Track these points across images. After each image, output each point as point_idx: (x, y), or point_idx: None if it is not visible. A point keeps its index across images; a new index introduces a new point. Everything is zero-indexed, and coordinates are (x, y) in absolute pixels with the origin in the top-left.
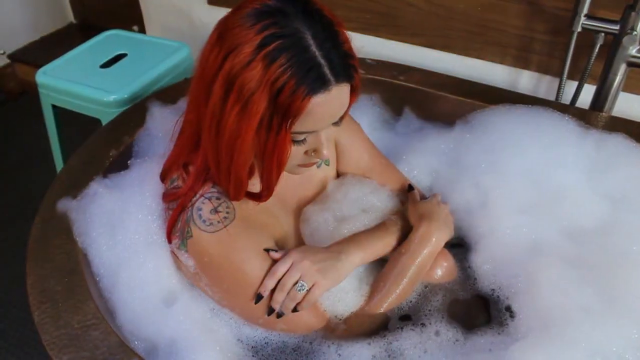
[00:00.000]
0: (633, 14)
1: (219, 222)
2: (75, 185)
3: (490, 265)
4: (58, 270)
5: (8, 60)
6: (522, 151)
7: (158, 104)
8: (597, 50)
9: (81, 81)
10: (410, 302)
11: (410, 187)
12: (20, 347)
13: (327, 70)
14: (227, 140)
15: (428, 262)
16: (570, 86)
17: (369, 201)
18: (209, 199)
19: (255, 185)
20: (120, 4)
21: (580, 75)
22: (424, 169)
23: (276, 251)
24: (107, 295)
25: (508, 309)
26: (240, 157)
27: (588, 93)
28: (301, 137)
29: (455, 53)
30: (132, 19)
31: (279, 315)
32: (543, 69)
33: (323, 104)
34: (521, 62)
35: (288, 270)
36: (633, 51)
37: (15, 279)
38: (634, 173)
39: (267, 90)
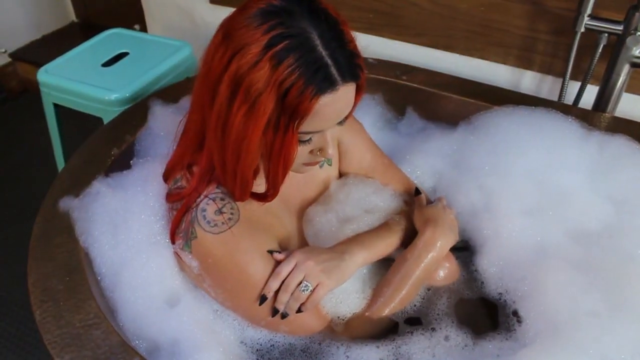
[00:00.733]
0: (637, 14)
1: (223, 223)
2: (77, 184)
3: (496, 268)
4: (60, 269)
5: (9, 59)
6: (526, 152)
7: (160, 103)
8: (600, 50)
9: (83, 80)
10: (415, 305)
11: (417, 191)
12: (21, 345)
13: (334, 70)
14: (233, 141)
15: (432, 267)
16: (573, 87)
17: (371, 201)
18: (213, 199)
19: (259, 186)
20: (121, 3)
21: (583, 75)
22: (427, 170)
23: (279, 252)
24: (108, 294)
25: (515, 313)
26: (247, 157)
27: (591, 94)
28: (307, 137)
29: (458, 53)
30: (134, 18)
31: (283, 316)
32: (546, 70)
33: (330, 103)
34: (524, 62)
35: (292, 270)
36: (637, 52)
37: (17, 277)
38: (637, 174)
39: (275, 91)
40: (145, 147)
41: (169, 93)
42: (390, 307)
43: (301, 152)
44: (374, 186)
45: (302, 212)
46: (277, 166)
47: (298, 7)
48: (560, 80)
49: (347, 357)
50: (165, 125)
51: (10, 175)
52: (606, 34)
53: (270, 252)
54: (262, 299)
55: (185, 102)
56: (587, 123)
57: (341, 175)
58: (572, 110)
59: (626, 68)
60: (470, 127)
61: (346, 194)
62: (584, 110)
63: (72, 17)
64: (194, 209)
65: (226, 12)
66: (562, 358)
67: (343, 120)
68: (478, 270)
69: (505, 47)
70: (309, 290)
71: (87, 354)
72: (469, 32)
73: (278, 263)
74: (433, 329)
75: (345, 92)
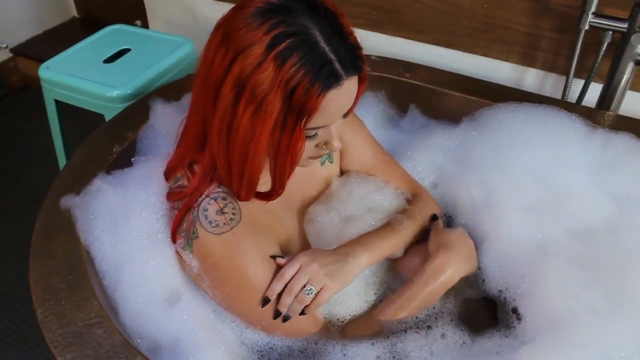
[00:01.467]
0: None
1: (225, 223)
2: (79, 182)
3: (496, 265)
4: (61, 267)
5: (10, 54)
6: (528, 150)
7: (162, 100)
8: (604, 48)
9: (84, 76)
10: None
11: (435, 217)
12: (22, 341)
13: (337, 65)
14: (240, 143)
15: (440, 292)
16: (577, 84)
17: (373, 200)
18: (215, 199)
19: (262, 185)
20: None
21: (587, 73)
22: (429, 166)
23: (282, 257)
24: (110, 293)
25: (515, 310)
26: (255, 159)
27: (595, 91)
28: (313, 132)
29: (461, 50)
30: (135, 14)
31: (285, 318)
32: (549, 67)
33: (336, 98)
34: (527, 59)
35: (296, 273)
36: None
37: (18, 274)
38: None
39: (281, 91)
40: (147, 144)
41: (170, 90)
42: (390, 323)
43: (307, 147)
44: (376, 184)
45: (303, 211)
46: (284, 164)
47: (297, 4)
48: (564, 78)
49: (344, 355)
50: (167, 123)
51: (10, 171)
52: (610, 32)
53: (274, 257)
54: (265, 301)
55: (187, 99)
56: (590, 121)
57: (342, 172)
58: (575, 108)
59: (630, 66)
60: (473, 124)
61: (348, 192)
62: (587, 108)
63: (73, 12)
64: (196, 208)
65: (227, 8)
66: (561, 355)
67: (347, 113)
68: (478, 267)
69: (509, 44)
70: (313, 294)
71: (89, 353)
72: (472, 29)
73: (279, 268)
74: (429, 327)
75: (349, 86)
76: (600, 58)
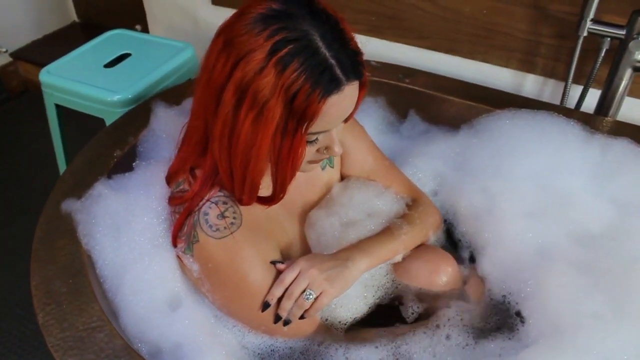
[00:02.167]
0: None
1: (225, 228)
2: (80, 186)
3: (499, 270)
4: (63, 271)
5: (10, 59)
6: (528, 156)
7: (162, 105)
8: (602, 54)
9: (85, 81)
10: (418, 307)
11: None
12: (22, 346)
13: (338, 71)
14: (242, 148)
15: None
16: (576, 90)
17: (374, 205)
18: (216, 203)
19: (264, 189)
20: (123, 3)
21: (585, 79)
22: (429, 173)
23: (282, 263)
24: (111, 297)
25: (518, 314)
26: (257, 164)
27: (593, 97)
28: (314, 137)
29: (460, 56)
30: (135, 18)
31: (286, 322)
32: (548, 73)
33: (337, 103)
34: (527, 65)
35: (296, 278)
36: (639, 56)
37: (17, 277)
38: (639, 177)
39: (282, 96)
40: (148, 149)
41: (171, 95)
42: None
43: (308, 152)
44: (376, 189)
45: (304, 215)
46: (285, 169)
47: (298, 10)
48: (563, 83)
49: (347, 358)
50: (168, 127)
51: (10, 175)
52: (609, 38)
53: (274, 262)
54: (265, 305)
55: (188, 104)
56: (589, 126)
57: (343, 177)
58: (574, 114)
59: (628, 72)
60: (473, 131)
61: (349, 197)
62: (586, 114)
63: (74, 16)
64: (197, 212)
65: (228, 13)
66: (564, 358)
67: (348, 118)
68: (481, 273)
69: (508, 50)
70: (313, 299)
71: (90, 357)
72: (472, 35)
73: (279, 273)
74: (435, 327)
75: (350, 91)
76: (598, 64)
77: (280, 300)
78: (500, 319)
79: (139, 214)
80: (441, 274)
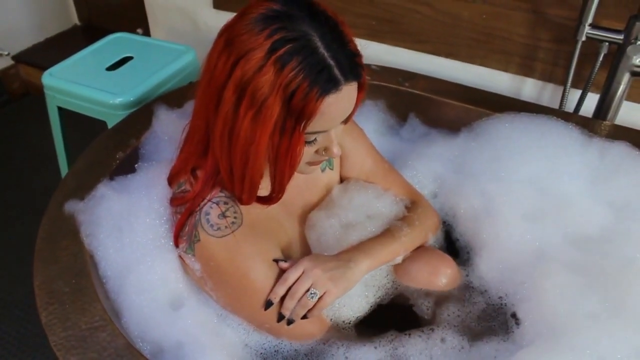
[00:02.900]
0: (638, 23)
1: (226, 227)
2: (82, 187)
3: (496, 272)
4: (65, 271)
5: (12, 62)
6: (527, 159)
7: (164, 107)
8: (601, 59)
9: (87, 83)
10: (429, 302)
11: None
12: (21, 347)
13: (336, 71)
14: (241, 146)
15: None
16: (574, 94)
17: (374, 207)
18: (217, 203)
19: (263, 189)
20: (124, 7)
21: (584, 83)
22: (428, 175)
23: (285, 261)
24: (113, 297)
25: (514, 315)
26: (256, 162)
27: (591, 102)
28: (313, 137)
29: (460, 60)
30: (137, 22)
31: (289, 322)
32: (547, 77)
33: (335, 103)
34: (525, 70)
35: (299, 278)
36: (637, 61)
37: (17, 279)
38: (637, 181)
39: (280, 94)
40: (150, 151)
41: (173, 97)
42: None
43: (307, 152)
44: (376, 191)
45: (303, 217)
46: (284, 168)
47: (298, 11)
48: (561, 88)
49: (346, 357)
50: (170, 130)
51: (11, 177)
52: (607, 43)
53: (276, 260)
54: (268, 304)
55: (190, 106)
56: (587, 130)
57: (342, 179)
58: (572, 118)
59: (626, 77)
60: (472, 133)
61: (349, 199)
62: (584, 118)
63: (75, 20)
64: (198, 212)
65: (229, 16)
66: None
67: (347, 119)
68: (478, 274)
69: (507, 54)
70: (316, 298)
71: (93, 356)
72: (471, 39)
73: (282, 271)
74: (431, 331)
75: (349, 91)
76: (597, 69)
77: (283, 299)
78: (496, 321)
79: (141, 215)
80: (440, 275)
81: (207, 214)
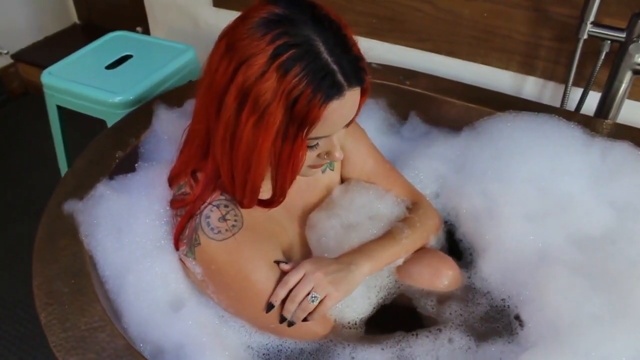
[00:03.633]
0: None
1: (227, 230)
2: (82, 187)
3: (499, 273)
4: (64, 271)
5: (11, 60)
6: (528, 158)
7: (164, 106)
8: (603, 57)
9: (87, 82)
10: (432, 300)
11: None
12: (22, 347)
13: (340, 76)
14: (243, 152)
15: None
16: (575, 93)
17: (375, 208)
18: (217, 206)
19: (264, 192)
20: (124, 5)
21: (585, 82)
22: (430, 174)
23: (286, 263)
24: (113, 297)
25: (517, 317)
26: (258, 167)
27: (593, 100)
28: (315, 142)
29: (461, 58)
30: (136, 20)
31: (290, 324)
32: (548, 76)
33: (338, 109)
34: (527, 68)
35: (300, 281)
36: (639, 59)
37: (18, 278)
38: (639, 180)
39: (283, 101)
40: (150, 150)
41: (172, 96)
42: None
43: (309, 157)
44: (377, 192)
45: (304, 218)
46: (286, 173)
47: (300, 14)
48: (563, 86)
49: (353, 358)
50: (169, 129)
51: (11, 176)
52: (609, 41)
53: (277, 262)
54: (269, 306)
55: (189, 105)
56: (589, 129)
57: (343, 180)
58: (574, 117)
59: (628, 75)
60: (474, 133)
61: (349, 200)
62: (586, 117)
63: (74, 18)
64: (198, 215)
65: (229, 15)
66: None
67: (349, 123)
68: (480, 275)
69: (508, 53)
70: (317, 301)
71: (92, 356)
72: (472, 37)
73: (283, 273)
74: (438, 331)
75: (352, 96)
76: (598, 67)
77: (284, 301)
78: (500, 322)
79: (141, 215)
80: (442, 277)
81: (208, 217)
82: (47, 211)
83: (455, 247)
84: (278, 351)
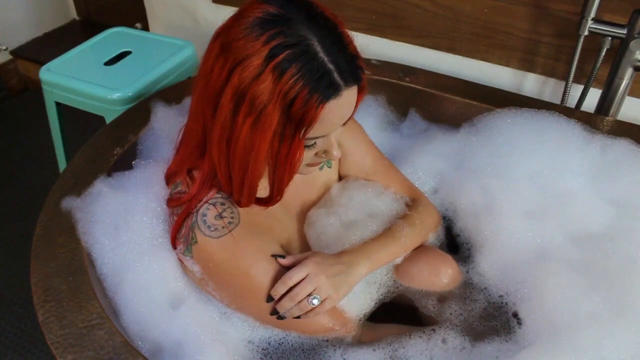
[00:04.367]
0: None
1: (223, 227)
2: (80, 184)
3: (497, 270)
4: (62, 269)
5: (10, 57)
6: (528, 155)
7: (162, 103)
8: (603, 54)
9: (85, 78)
10: (433, 299)
11: None
12: (21, 343)
13: (336, 76)
14: (240, 153)
15: None
16: (576, 90)
17: (374, 205)
18: (214, 204)
19: (262, 190)
20: (123, 1)
21: (586, 79)
22: (429, 171)
23: (283, 257)
24: (111, 295)
25: (515, 315)
26: (255, 168)
27: (594, 97)
28: (312, 142)
29: (461, 55)
30: (135, 17)
31: (280, 317)
32: (549, 72)
33: (335, 108)
34: (527, 65)
35: (303, 280)
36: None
37: (17, 275)
38: (639, 178)
39: (280, 102)
40: (148, 146)
41: (171, 92)
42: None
43: (306, 156)
44: (376, 190)
45: (302, 215)
46: (283, 172)
47: (296, 14)
48: (563, 83)
49: (344, 359)
50: (168, 125)
51: (10, 173)
52: (610, 38)
53: (275, 256)
54: (269, 299)
55: (188, 102)
56: (589, 126)
57: (341, 177)
58: (574, 114)
59: (629, 72)
60: (473, 129)
61: (348, 197)
62: (586, 114)
63: (74, 14)
64: (194, 214)
65: (228, 11)
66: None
67: (346, 121)
68: (479, 272)
69: (509, 49)
70: (317, 303)
71: (90, 354)
72: (472, 34)
73: (281, 266)
74: (432, 331)
75: (349, 96)
76: (599, 63)
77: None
78: (497, 320)
79: (139, 212)
80: (441, 276)
81: (204, 215)
82: (45, 208)
83: (453, 241)
84: (275, 348)
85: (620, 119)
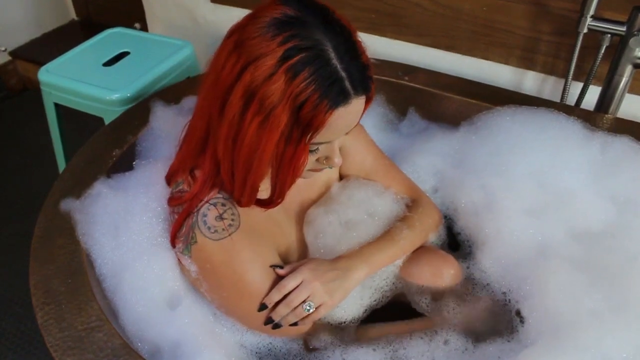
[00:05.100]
0: None
1: (223, 229)
2: (79, 185)
3: (498, 268)
4: (61, 270)
5: (9, 57)
6: (528, 153)
7: (161, 103)
8: (603, 51)
9: (84, 79)
10: (426, 297)
11: None
12: (21, 344)
13: (348, 84)
14: (245, 152)
15: None
16: (576, 87)
17: (373, 205)
18: (215, 205)
19: (263, 192)
20: (122, 1)
21: (585, 76)
22: (429, 170)
23: (281, 267)
24: (110, 296)
25: (518, 313)
26: (259, 168)
27: (593, 94)
28: (315, 147)
29: (460, 53)
30: (135, 17)
31: (276, 326)
32: (548, 70)
33: (343, 116)
34: (526, 63)
35: (297, 287)
36: (639, 53)
37: (17, 276)
38: (639, 175)
39: (290, 104)
40: (147, 147)
41: (170, 93)
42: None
43: (308, 161)
44: (376, 189)
45: (302, 215)
46: (286, 175)
47: (313, 17)
48: (563, 81)
49: (344, 359)
50: (167, 126)
51: (9, 173)
52: (609, 35)
53: (273, 266)
54: (262, 307)
55: (187, 102)
56: (589, 124)
57: (341, 177)
58: (574, 111)
59: (629, 69)
60: (473, 127)
61: (348, 196)
62: (586, 111)
63: (73, 15)
64: (195, 213)
65: (227, 11)
66: (563, 358)
67: (350, 130)
68: (480, 270)
69: (508, 47)
70: (312, 310)
71: (90, 357)
72: (472, 32)
73: (279, 276)
74: (433, 332)
75: (357, 104)
76: (598, 61)
77: (277, 303)
78: (500, 317)
79: (138, 213)
80: (444, 276)
81: (205, 215)
82: (44, 209)
83: (453, 239)
84: (269, 350)
85: (620, 117)
